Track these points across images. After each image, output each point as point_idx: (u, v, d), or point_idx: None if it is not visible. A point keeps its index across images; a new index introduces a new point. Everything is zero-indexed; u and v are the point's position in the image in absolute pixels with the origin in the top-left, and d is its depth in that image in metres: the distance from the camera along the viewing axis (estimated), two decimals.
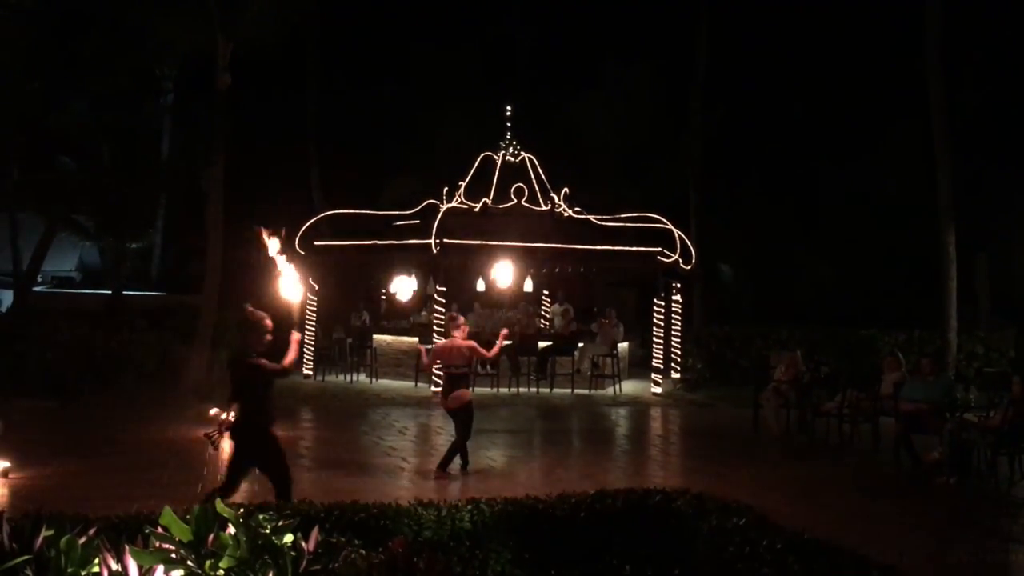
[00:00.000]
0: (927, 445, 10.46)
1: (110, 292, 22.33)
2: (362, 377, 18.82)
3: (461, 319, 10.34)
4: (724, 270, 21.20)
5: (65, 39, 18.42)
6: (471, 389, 10.08)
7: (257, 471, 7.39)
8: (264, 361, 7.35)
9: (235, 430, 7.34)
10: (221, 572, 3.26)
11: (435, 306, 17.43)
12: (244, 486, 9.17)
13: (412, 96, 26.87)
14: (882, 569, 4.51)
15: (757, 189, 25.58)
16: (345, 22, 27.06)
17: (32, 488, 8.64)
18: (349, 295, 22.47)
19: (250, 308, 7.52)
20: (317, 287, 19.21)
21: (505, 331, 10.45)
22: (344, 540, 3.99)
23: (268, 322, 7.36)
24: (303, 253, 18.71)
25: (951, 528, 8.15)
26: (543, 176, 19.30)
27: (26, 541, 3.51)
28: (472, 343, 9.95)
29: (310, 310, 19.17)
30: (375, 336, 19.22)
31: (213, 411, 11.89)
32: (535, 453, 12.14)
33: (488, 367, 17.17)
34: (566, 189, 19.16)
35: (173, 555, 3.28)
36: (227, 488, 7.12)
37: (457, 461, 9.92)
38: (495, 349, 9.95)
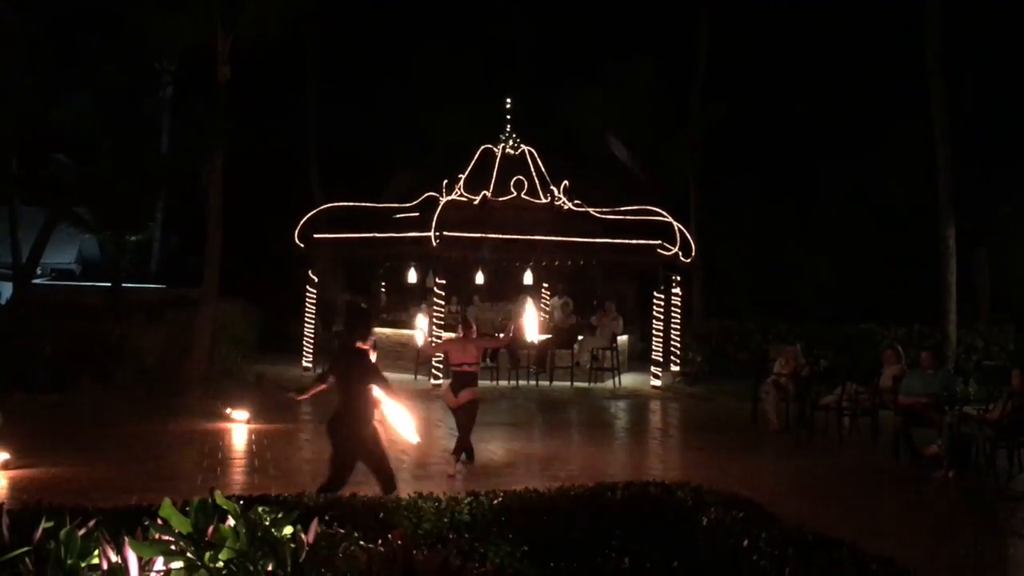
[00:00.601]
0: (926, 439, 10.47)
1: (110, 285, 22.32)
2: None
3: (472, 323, 10.45)
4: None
5: (65, 33, 18.40)
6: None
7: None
8: (372, 355, 7.44)
9: (333, 421, 7.31)
10: (220, 564, 3.26)
11: (435, 299, 17.43)
12: (242, 479, 9.20)
13: (412, 91, 26.82)
14: (880, 562, 4.52)
15: (757, 184, 25.55)
16: (345, 17, 27.00)
17: (32, 480, 8.65)
18: (349, 288, 22.48)
19: (358, 299, 7.63)
20: (316, 279, 19.22)
21: (512, 328, 10.48)
22: (343, 533, 4.01)
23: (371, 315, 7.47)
24: (302, 246, 18.74)
25: (950, 521, 8.16)
26: (543, 169, 19.28)
27: (26, 533, 3.52)
28: (481, 340, 10.08)
29: (309, 303, 19.18)
30: (374, 329, 19.19)
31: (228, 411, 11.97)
32: (535, 446, 12.14)
33: (488, 360, 17.19)
34: (566, 182, 19.14)
35: (172, 547, 3.29)
36: (336, 483, 7.10)
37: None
38: (505, 337, 10.00)
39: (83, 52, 18.73)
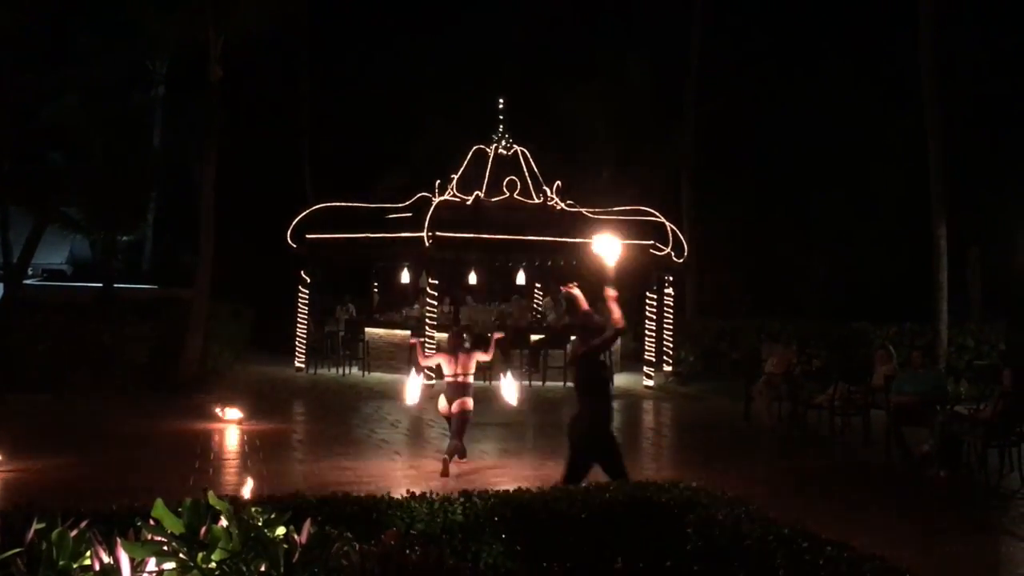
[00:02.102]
0: (918, 438, 10.50)
1: (101, 285, 22.25)
2: (354, 370, 18.81)
3: (462, 334, 10.56)
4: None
5: (57, 32, 18.35)
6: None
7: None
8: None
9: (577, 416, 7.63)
10: (213, 564, 3.26)
11: (427, 299, 17.42)
12: (235, 479, 9.18)
13: (404, 88, 26.81)
14: (872, 560, 4.53)
15: (750, 183, 25.60)
16: (337, 14, 26.99)
17: (23, 481, 8.62)
18: (342, 288, 22.47)
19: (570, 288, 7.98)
20: (309, 280, 19.19)
21: (499, 334, 10.52)
22: (336, 533, 4.00)
23: (583, 303, 8.01)
24: (295, 246, 18.72)
25: (941, 520, 8.18)
26: (535, 169, 19.29)
27: (17, 534, 3.50)
28: (473, 352, 10.20)
29: (301, 303, 19.14)
30: (367, 329, 19.21)
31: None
32: (527, 446, 12.15)
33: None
34: (558, 182, 19.16)
35: (165, 548, 3.28)
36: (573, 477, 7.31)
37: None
38: (491, 349, 10.12)
39: (74, 48, 18.68)
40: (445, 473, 9.47)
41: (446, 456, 9.75)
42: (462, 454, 10.07)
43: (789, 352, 13.77)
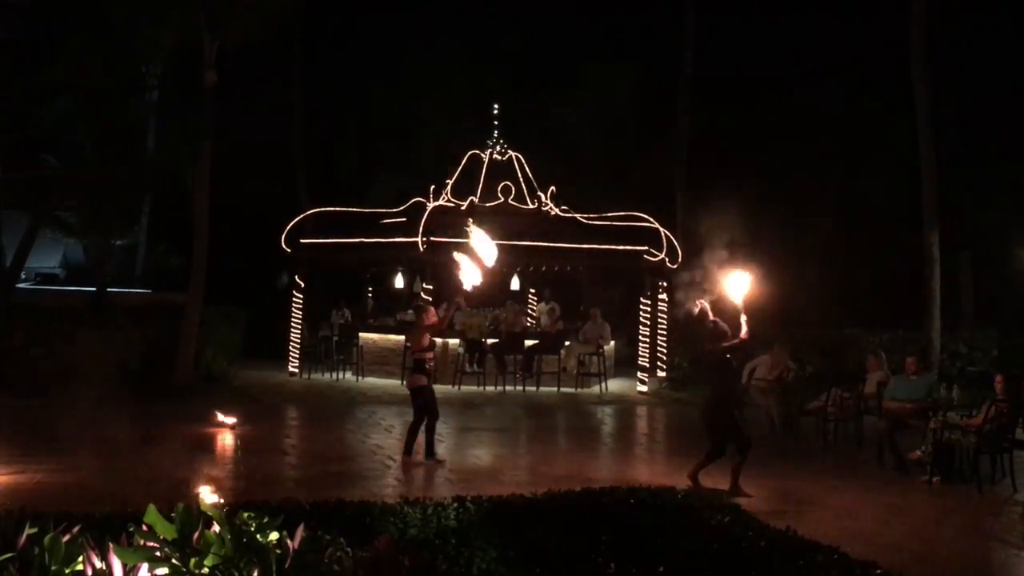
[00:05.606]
0: (910, 444, 10.53)
1: (95, 289, 22.19)
2: (348, 375, 18.79)
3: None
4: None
5: (50, 36, 18.31)
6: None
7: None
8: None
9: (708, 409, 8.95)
10: (206, 570, 3.26)
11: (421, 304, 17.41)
12: (228, 484, 9.17)
13: (399, 94, 26.82)
14: (864, 566, 4.55)
15: (744, 189, 25.62)
16: (332, 19, 27.00)
17: (15, 486, 8.58)
18: (336, 293, 22.46)
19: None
20: (303, 285, 19.18)
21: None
22: (329, 538, 4.00)
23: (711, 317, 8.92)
24: (289, 251, 18.71)
25: (934, 527, 8.20)
26: (530, 174, 19.31)
27: (9, 539, 3.50)
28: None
29: (296, 307, 19.12)
30: (361, 334, 19.19)
31: None
32: (521, 451, 12.14)
33: (475, 365, 17.21)
34: (553, 188, 19.18)
35: (157, 553, 3.28)
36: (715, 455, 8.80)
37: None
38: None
39: (67, 52, 18.63)
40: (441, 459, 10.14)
41: (430, 456, 9.99)
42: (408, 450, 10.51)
43: (783, 354, 13.70)
